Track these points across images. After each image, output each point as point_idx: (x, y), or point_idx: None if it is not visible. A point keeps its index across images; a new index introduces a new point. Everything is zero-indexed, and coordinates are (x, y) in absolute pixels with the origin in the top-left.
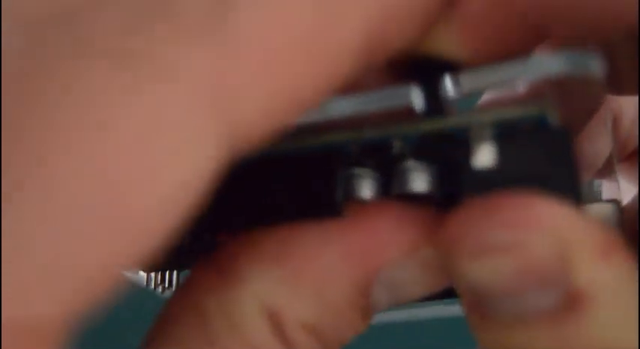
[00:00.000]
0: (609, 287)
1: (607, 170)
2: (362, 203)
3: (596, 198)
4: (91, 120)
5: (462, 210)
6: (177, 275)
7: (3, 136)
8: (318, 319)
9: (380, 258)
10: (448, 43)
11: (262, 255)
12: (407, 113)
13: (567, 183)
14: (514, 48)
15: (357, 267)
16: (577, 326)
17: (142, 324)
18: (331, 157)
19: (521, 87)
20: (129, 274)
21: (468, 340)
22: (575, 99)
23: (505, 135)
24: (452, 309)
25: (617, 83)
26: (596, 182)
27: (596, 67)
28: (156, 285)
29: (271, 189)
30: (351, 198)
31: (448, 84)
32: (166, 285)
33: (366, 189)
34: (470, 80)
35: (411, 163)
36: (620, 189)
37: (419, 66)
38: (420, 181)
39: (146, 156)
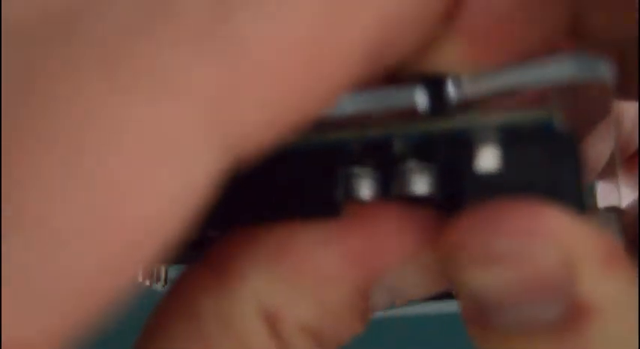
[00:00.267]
0: (613, 299)
1: (608, 173)
2: (361, 203)
3: (597, 203)
4: (88, 133)
5: (464, 216)
6: (166, 269)
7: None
8: (317, 320)
9: (380, 261)
10: (452, 57)
11: (260, 254)
12: (410, 113)
13: (572, 190)
14: (519, 60)
15: (357, 269)
16: (579, 339)
17: (131, 318)
18: (332, 155)
19: (529, 91)
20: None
21: (466, 337)
22: (583, 105)
23: (510, 138)
24: (449, 306)
25: (627, 88)
26: (596, 185)
27: (605, 71)
28: (144, 278)
29: (269, 186)
30: (350, 197)
31: (452, 86)
32: (154, 279)
33: (366, 189)
34: (475, 84)
35: (412, 164)
36: (620, 192)
37: (423, 80)
38: (420, 183)
39: (143, 168)
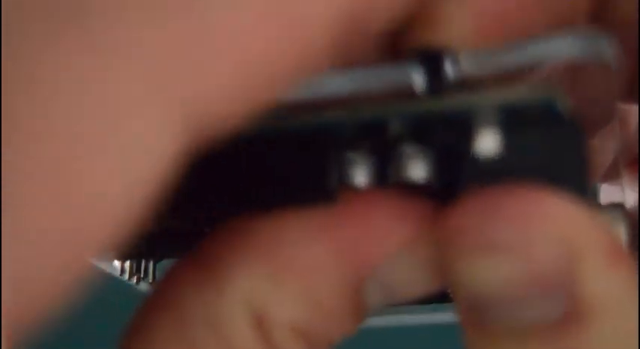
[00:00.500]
0: (615, 298)
1: (612, 174)
2: (356, 190)
3: (600, 203)
4: (51, 106)
5: (463, 202)
6: (154, 265)
7: None
8: (307, 320)
9: (373, 254)
10: (460, 32)
11: (248, 252)
12: (406, 93)
13: (577, 178)
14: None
15: (349, 263)
16: (578, 340)
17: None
18: (325, 139)
19: (531, 70)
20: (102, 264)
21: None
22: (588, 88)
23: (511, 120)
24: (445, 316)
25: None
26: (599, 186)
27: (608, 50)
28: (131, 275)
29: (260, 171)
30: (344, 184)
31: (450, 64)
32: (142, 276)
33: (361, 175)
34: (475, 61)
35: (408, 148)
36: (625, 193)
37: (420, 56)
38: (417, 168)
39: (107, 142)
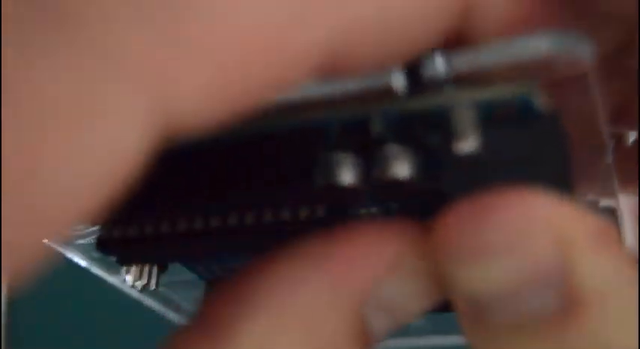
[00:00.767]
0: (610, 281)
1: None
2: (342, 189)
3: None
4: (23, 89)
5: (451, 211)
6: (158, 272)
7: None
8: None
9: (366, 278)
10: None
11: (248, 307)
12: (387, 93)
13: (557, 171)
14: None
15: (345, 292)
16: (580, 326)
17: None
18: (309, 139)
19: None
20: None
21: None
22: (565, 87)
23: (490, 117)
24: (456, 339)
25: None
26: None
27: (585, 50)
28: (134, 281)
29: (244, 172)
30: (330, 184)
31: (433, 63)
32: (145, 283)
33: (347, 174)
34: (452, 61)
35: (391, 147)
36: (618, 200)
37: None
38: (401, 167)
39: (70, 129)
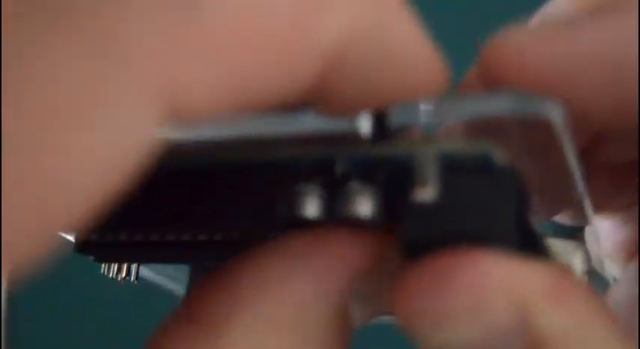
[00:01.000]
0: (572, 326)
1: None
2: (307, 221)
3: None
4: (36, 79)
5: (408, 278)
6: (137, 266)
7: None
8: None
9: (348, 272)
10: None
11: (236, 299)
12: (355, 137)
13: (511, 224)
14: None
15: (329, 285)
16: None
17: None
18: (278, 173)
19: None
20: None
21: None
22: (530, 145)
23: (449, 169)
24: None
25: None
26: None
27: (550, 111)
28: (115, 274)
29: (211, 200)
30: (294, 215)
31: (394, 115)
32: (123, 275)
33: (311, 207)
34: (419, 113)
35: (355, 185)
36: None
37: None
38: (364, 205)
39: (80, 123)
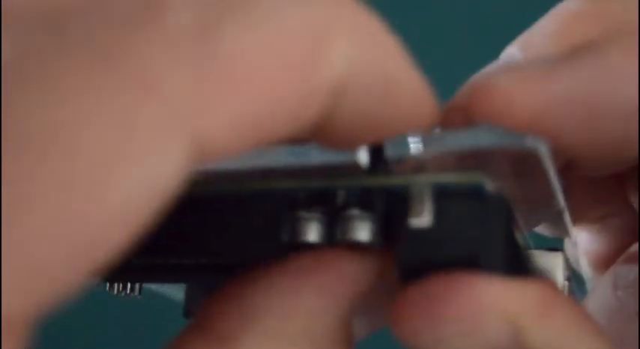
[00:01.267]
0: (561, 336)
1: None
2: (308, 246)
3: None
4: (55, 124)
5: (408, 301)
6: (140, 285)
7: None
8: None
9: (352, 288)
10: None
11: (248, 311)
12: (353, 169)
13: (501, 249)
14: None
15: (334, 300)
16: None
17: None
18: (281, 202)
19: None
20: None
21: None
22: (519, 177)
23: (443, 197)
24: None
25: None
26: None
27: (537, 145)
28: (119, 291)
29: (219, 225)
30: (297, 241)
31: (392, 147)
32: (127, 292)
33: (313, 232)
34: (414, 145)
35: (354, 213)
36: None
37: None
38: (361, 231)
39: (112, 158)
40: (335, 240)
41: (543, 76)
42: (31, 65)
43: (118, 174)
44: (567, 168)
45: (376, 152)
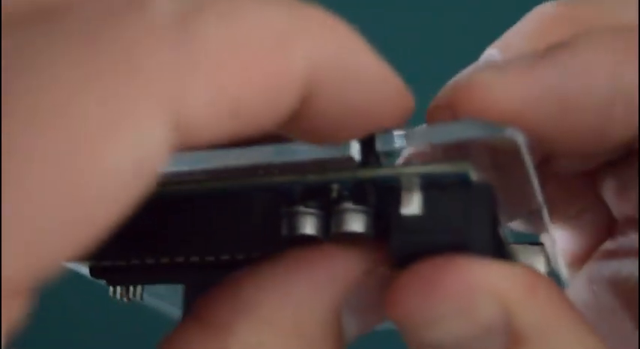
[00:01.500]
0: (546, 317)
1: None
2: (306, 239)
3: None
4: (51, 102)
5: (402, 285)
6: (142, 288)
7: None
8: None
9: (343, 284)
10: None
11: (242, 304)
12: (346, 162)
13: (488, 234)
14: None
15: (326, 296)
16: None
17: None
18: (278, 197)
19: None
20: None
21: None
22: (500, 165)
23: (431, 187)
24: None
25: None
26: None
27: (517, 136)
28: (121, 296)
29: (218, 220)
30: (295, 234)
31: (381, 141)
32: (130, 296)
33: (310, 226)
34: (402, 138)
35: (348, 205)
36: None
37: None
38: (357, 222)
39: (99, 131)
40: (331, 231)
41: (521, 72)
42: (27, 51)
43: (106, 145)
44: (543, 163)
45: (367, 146)
